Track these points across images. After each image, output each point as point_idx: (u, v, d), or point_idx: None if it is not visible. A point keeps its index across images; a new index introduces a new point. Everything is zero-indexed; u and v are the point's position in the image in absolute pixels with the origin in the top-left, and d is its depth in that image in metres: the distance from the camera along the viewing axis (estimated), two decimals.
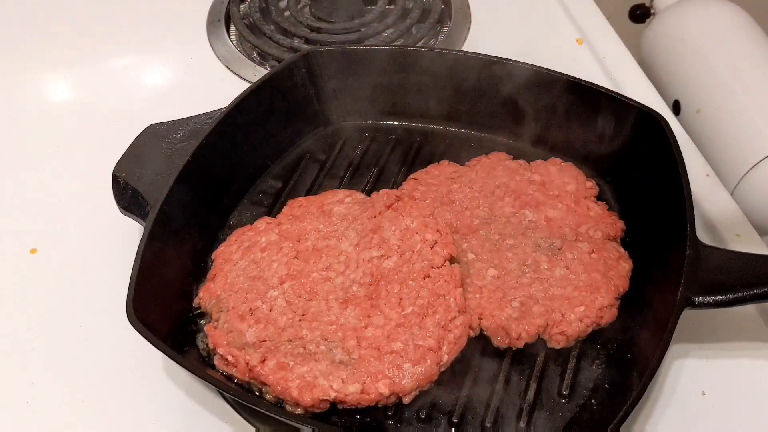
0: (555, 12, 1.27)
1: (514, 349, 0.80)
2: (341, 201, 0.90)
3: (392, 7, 1.27)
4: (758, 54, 1.14)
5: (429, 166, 0.98)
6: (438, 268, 0.80)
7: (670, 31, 1.22)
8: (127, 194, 0.87)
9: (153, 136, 0.92)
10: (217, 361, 0.78)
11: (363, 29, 1.22)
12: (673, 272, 0.77)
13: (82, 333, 0.86)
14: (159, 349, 0.72)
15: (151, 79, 1.21)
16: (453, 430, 0.75)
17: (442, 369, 0.76)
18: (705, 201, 0.96)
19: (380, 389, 0.72)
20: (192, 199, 0.88)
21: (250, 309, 0.80)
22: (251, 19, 1.26)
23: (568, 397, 0.77)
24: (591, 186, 0.94)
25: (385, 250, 0.82)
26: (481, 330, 0.81)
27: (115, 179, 0.88)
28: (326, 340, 0.77)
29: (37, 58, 1.23)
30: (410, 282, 0.79)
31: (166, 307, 0.81)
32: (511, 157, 0.98)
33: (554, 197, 0.92)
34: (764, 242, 0.93)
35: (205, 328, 0.80)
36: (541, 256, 0.86)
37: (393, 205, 0.86)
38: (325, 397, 0.72)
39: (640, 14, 1.35)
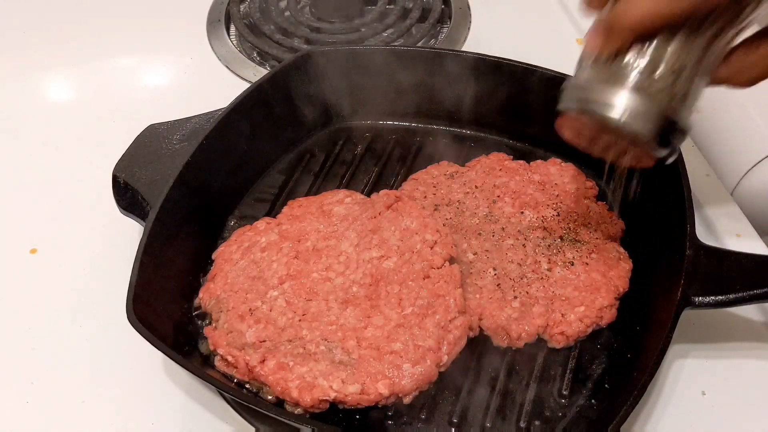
0: (555, 12, 1.27)
1: (514, 349, 0.80)
2: (341, 201, 0.90)
3: (392, 7, 1.27)
4: None
5: (429, 166, 0.98)
6: (438, 268, 0.80)
7: None
8: (127, 194, 0.87)
9: (153, 136, 0.92)
10: (217, 362, 0.78)
11: (363, 29, 1.22)
12: (673, 272, 0.77)
13: (82, 333, 0.86)
14: (159, 349, 0.72)
15: (151, 79, 1.21)
16: (453, 430, 0.75)
17: (442, 369, 0.76)
18: (705, 201, 0.96)
19: (380, 389, 0.72)
20: (192, 200, 0.88)
21: (250, 309, 0.80)
22: (251, 19, 1.26)
23: (568, 397, 0.77)
24: (591, 186, 0.94)
25: (385, 251, 0.82)
26: (481, 330, 0.81)
27: (115, 179, 0.88)
28: (326, 340, 0.77)
29: (37, 58, 1.23)
30: (410, 282, 0.79)
31: (166, 307, 0.81)
32: (511, 157, 0.98)
33: (554, 197, 0.92)
34: (764, 242, 0.93)
35: (205, 330, 0.80)
36: (541, 256, 0.86)
37: (393, 206, 0.86)
38: (324, 398, 0.72)
39: None
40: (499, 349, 0.80)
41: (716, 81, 0.68)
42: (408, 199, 0.87)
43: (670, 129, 0.66)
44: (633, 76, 0.65)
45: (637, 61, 0.65)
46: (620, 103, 0.65)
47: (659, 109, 0.65)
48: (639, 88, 0.65)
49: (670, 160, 0.69)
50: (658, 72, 0.64)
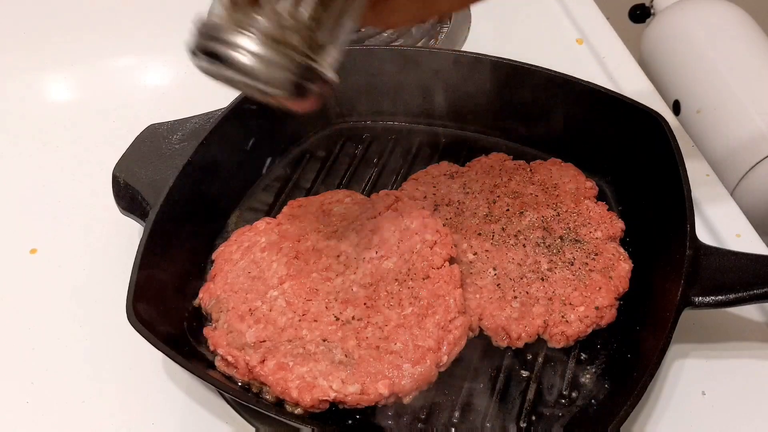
0: (555, 12, 1.27)
1: (514, 349, 0.80)
2: (341, 201, 0.90)
3: None
4: (758, 54, 1.14)
5: (429, 166, 0.98)
6: (437, 268, 0.80)
7: (670, 31, 1.22)
8: (127, 194, 0.87)
9: (153, 136, 0.92)
10: (217, 362, 0.78)
11: (363, 29, 1.22)
12: (673, 272, 0.77)
13: (82, 333, 0.86)
14: (159, 349, 0.72)
15: (151, 79, 1.21)
16: (453, 430, 0.75)
17: (442, 369, 0.76)
18: (705, 201, 0.96)
19: (380, 390, 0.72)
20: (192, 200, 0.88)
21: (250, 309, 0.80)
22: None
23: (568, 397, 0.77)
24: (591, 186, 0.94)
25: (385, 251, 0.82)
26: (481, 330, 0.81)
27: (115, 179, 0.88)
28: (326, 340, 0.77)
29: (37, 58, 1.23)
30: (410, 282, 0.79)
31: (166, 307, 0.81)
32: (511, 157, 0.98)
33: (554, 197, 0.92)
34: (764, 242, 0.93)
35: (204, 331, 0.80)
36: (541, 256, 0.86)
37: (393, 206, 0.86)
38: (324, 398, 0.72)
39: (640, 14, 1.35)
40: (499, 349, 0.80)
41: (363, 24, 0.63)
42: (408, 199, 0.87)
43: (308, 79, 0.59)
44: (267, 24, 0.57)
45: (276, 6, 0.57)
46: (249, 60, 0.57)
47: (292, 62, 0.58)
48: (272, 39, 0.57)
49: (311, 105, 0.62)
50: (294, 17, 0.57)
